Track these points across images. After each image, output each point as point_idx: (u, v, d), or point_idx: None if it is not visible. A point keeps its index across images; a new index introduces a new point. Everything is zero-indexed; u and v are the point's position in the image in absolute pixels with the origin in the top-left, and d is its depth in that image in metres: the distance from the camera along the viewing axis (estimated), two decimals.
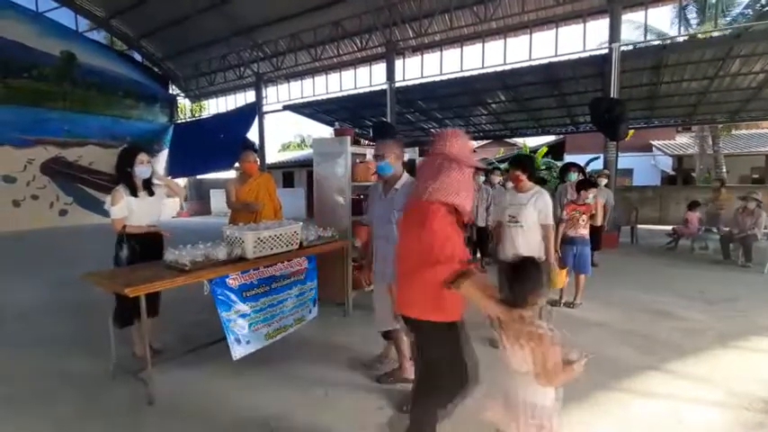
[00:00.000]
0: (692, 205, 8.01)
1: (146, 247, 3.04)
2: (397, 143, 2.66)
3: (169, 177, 13.04)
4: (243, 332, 2.84)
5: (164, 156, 16.29)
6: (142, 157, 3.04)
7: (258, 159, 4.35)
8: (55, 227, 12.70)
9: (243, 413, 2.48)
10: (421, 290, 1.72)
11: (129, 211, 2.99)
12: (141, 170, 3.03)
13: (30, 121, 12.62)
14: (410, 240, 1.78)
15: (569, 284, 4.35)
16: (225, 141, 13.01)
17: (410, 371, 2.75)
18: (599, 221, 4.66)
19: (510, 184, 3.79)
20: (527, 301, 1.53)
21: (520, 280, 1.54)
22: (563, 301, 4.41)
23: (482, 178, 6.55)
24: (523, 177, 3.35)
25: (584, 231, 4.36)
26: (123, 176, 3.02)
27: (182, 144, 15.74)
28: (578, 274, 4.42)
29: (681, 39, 10.67)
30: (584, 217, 4.33)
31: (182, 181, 17.41)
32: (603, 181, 6.63)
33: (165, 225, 3.28)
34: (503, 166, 9.58)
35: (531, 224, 3.28)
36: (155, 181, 3.20)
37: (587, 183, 4.57)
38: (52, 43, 13.12)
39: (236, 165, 4.50)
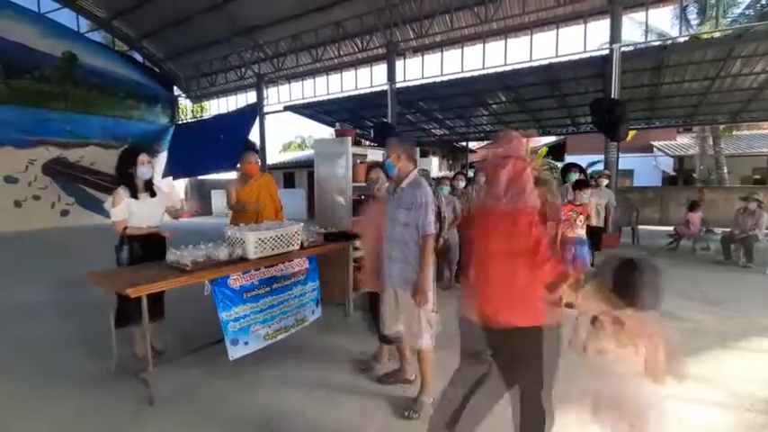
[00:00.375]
0: (693, 206, 8.03)
1: (147, 248, 3.04)
2: (401, 142, 2.54)
3: (169, 179, 13.11)
4: (242, 333, 2.85)
5: (164, 156, 16.31)
6: (143, 157, 3.04)
7: (259, 160, 4.36)
8: (56, 227, 12.73)
9: (243, 413, 2.49)
10: (520, 296, 1.68)
11: (130, 212, 2.98)
12: (142, 171, 3.03)
13: (31, 122, 12.67)
14: (503, 246, 1.70)
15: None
16: (226, 142, 12.99)
17: (410, 372, 2.76)
18: (594, 221, 4.66)
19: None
20: (642, 304, 1.46)
21: (635, 282, 1.46)
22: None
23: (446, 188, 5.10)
24: None
25: (582, 231, 4.36)
26: (124, 177, 3.02)
27: (183, 145, 15.71)
28: None
29: (682, 39, 10.67)
30: (581, 217, 4.34)
31: (182, 182, 17.43)
32: (604, 181, 6.61)
33: (167, 225, 3.28)
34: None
35: None
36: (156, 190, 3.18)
37: (583, 183, 4.58)
38: (54, 44, 13.17)
39: (238, 165, 4.50)
